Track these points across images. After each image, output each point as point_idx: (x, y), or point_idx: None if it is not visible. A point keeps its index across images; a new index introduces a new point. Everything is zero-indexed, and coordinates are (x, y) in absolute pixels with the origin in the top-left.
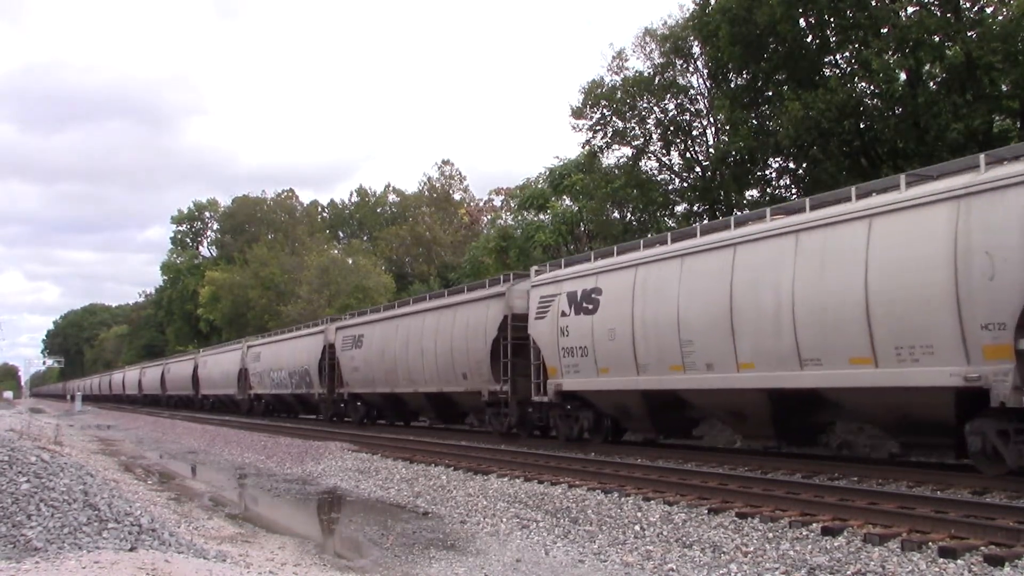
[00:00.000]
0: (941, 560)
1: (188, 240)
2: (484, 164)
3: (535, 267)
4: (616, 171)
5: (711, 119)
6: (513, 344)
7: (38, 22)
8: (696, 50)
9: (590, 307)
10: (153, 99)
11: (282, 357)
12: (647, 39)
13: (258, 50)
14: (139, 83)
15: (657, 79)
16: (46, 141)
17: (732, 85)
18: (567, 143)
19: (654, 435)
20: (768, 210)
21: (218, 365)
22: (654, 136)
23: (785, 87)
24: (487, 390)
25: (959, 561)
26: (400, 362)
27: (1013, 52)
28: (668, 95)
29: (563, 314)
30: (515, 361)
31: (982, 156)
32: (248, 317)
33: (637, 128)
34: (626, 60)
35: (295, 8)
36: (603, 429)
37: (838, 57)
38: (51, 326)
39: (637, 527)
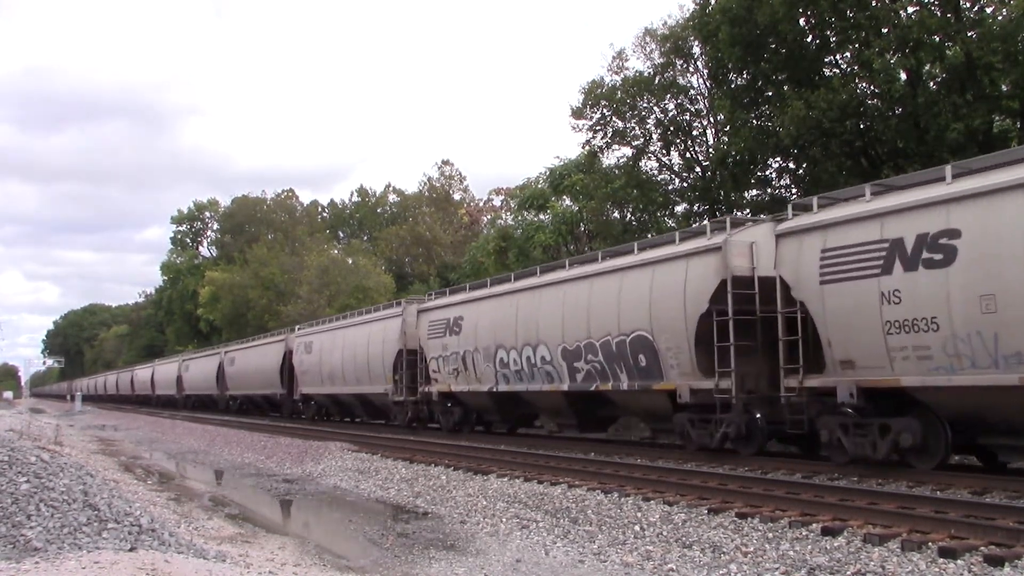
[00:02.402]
0: (941, 560)
1: (188, 240)
2: (484, 164)
3: None
4: (616, 171)
5: (711, 119)
6: None
7: (36, 24)
8: (696, 50)
9: None
10: (151, 100)
11: (540, 319)
12: (647, 39)
13: (256, 50)
14: (137, 84)
15: (657, 79)
16: (45, 142)
17: (732, 85)
18: (567, 143)
19: None
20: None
21: (341, 348)
22: (654, 136)
23: (785, 87)
24: None
25: (959, 561)
26: None
27: (1013, 52)
28: (668, 95)
29: None
30: None
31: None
32: (248, 317)
33: (637, 128)
34: (626, 60)
35: (293, 8)
36: None
37: (838, 57)
38: (51, 326)
39: (637, 527)
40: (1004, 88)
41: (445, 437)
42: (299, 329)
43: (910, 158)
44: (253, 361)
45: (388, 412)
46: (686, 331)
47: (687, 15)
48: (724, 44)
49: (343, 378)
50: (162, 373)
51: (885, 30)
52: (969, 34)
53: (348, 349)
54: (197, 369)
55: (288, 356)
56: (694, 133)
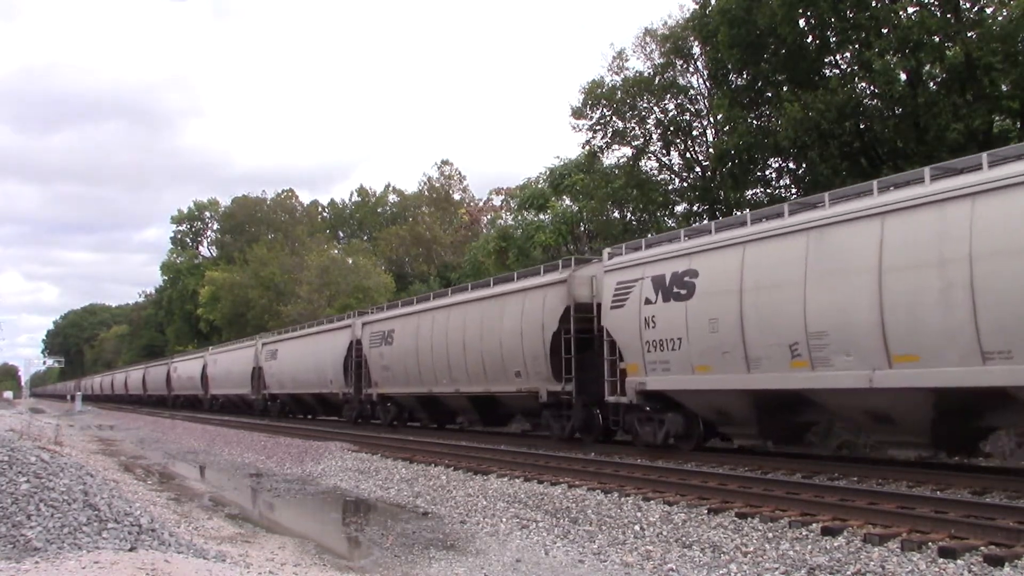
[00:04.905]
0: (941, 560)
1: (188, 240)
2: (484, 164)
3: None
4: (616, 171)
5: (711, 119)
6: None
7: (34, 24)
8: (696, 50)
9: None
10: (149, 100)
11: None
12: (647, 39)
13: (255, 51)
14: (135, 84)
15: (657, 79)
16: (43, 142)
17: (732, 86)
18: (567, 143)
19: None
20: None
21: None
22: (654, 136)
23: (784, 88)
24: None
25: (959, 561)
26: None
27: (1013, 52)
28: (668, 95)
29: None
30: None
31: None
32: (248, 317)
33: (637, 128)
34: (626, 60)
35: (291, 8)
36: None
37: (838, 58)
38: (50, 326)
39: (637, 527)
40: (1004, 88)
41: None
42: (597, 263)
43: (910, 158)
44: (438, 327)
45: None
46: None
47: (687, 15)
48: (723, 45)
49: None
50: (222, 365)
51: (885, 31)
52: (969, 34)
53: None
54: (296, 356)
55: (558, 324)
56: (694, 133)
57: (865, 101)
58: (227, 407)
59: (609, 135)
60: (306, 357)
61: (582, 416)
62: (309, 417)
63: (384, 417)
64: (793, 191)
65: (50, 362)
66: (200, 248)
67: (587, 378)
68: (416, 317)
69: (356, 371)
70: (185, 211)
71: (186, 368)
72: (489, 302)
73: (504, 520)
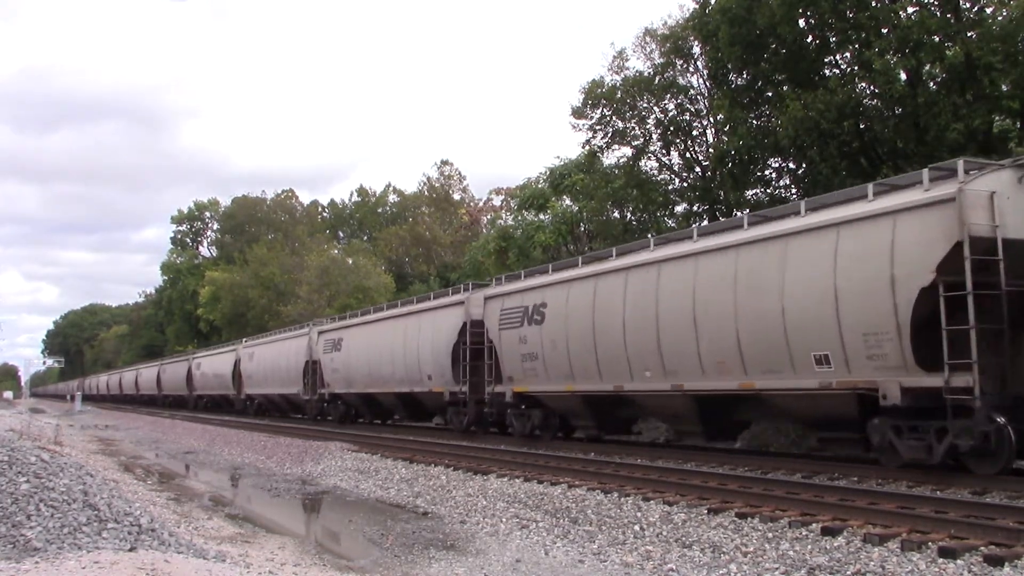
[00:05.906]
0: (941, 560)
1: (188, 240)
2: (484, 164)
3: None
4: (616, 171)
5: (711, 119)
6: None
7: (34, 24)
8: (696, 50)
9: None
10: (148, 101)
11: None
12: (647, 39)
13: (254, 51)
14: (135, 85)
15: (657, 79)
16: (42, 142)
17: (732, 85)
18: (567, 143)
19: None
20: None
21: None
22: (654, 136)
23: (785, 87)
24: None
25: (959, 561)
26: None
27: (1013, 52)
28: (668, 95)
29: None
30: None
31: None
32: (248, 317)
33: (637, 128)
34: (626, 60)
35: (291, 9)
36: None
37: (838, 58)
38: (50, 326)
39: (637, 527)
40: (1004, 88)
41: None
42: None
43: (910, 158)
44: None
45: None
46: None
47: (687, 15)
48: (724, 44)
49: None
50: (262, 360)
51: (885, 31)
52: (969, 34)
53: None
54: (372, 345)
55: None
56: (694, 133)
57: (865, 101)
58: (266, 409)
59: (609, 135)
60: (390, 346)
61: (987, 429)
62: (377, 422)
63: (521, 425)
64: (793, 191)
65: (50, 362)
66: (200, 248)
67: (991, 364)
68: (591, 283)
69: (473, 363)
70: (185, 211)
71: (212, 364)
72: (747, 249)
73: (504, 520)
